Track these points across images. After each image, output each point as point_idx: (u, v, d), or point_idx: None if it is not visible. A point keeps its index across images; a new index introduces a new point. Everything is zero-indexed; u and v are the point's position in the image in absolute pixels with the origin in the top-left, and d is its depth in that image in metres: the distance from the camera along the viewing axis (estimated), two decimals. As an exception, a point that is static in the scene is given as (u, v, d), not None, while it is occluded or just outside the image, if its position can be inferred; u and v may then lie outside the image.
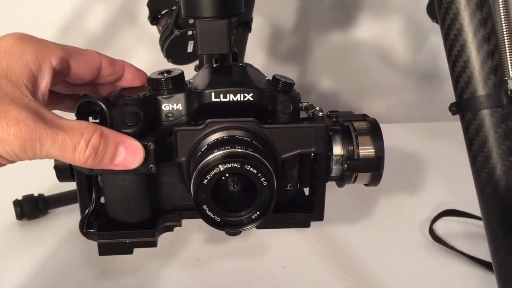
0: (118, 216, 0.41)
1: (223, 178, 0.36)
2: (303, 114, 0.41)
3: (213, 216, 0.36)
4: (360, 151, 0.41)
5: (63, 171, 0.40)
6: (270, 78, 0.41)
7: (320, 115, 0.40)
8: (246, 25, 0.68)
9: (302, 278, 0.57)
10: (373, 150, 0.41)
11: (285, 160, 0.40)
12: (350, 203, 0.70)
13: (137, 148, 0.36)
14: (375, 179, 0.42)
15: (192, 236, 0.64)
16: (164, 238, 0.42)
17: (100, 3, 0.90)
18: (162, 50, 0.71)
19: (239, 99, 0.38)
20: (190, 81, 0.41)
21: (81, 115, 0.37)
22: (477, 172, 0.39)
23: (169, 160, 0.39)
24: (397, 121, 1.02)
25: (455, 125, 0.43)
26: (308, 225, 0.43)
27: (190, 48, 0.70)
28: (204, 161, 0.36)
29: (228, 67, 0.44)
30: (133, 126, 0.37)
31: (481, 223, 0.61)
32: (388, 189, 0.74)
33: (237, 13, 0.44)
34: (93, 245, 0.41)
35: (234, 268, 0.59)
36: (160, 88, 0.39)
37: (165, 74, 0.39)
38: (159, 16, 0.73)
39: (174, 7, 0.69)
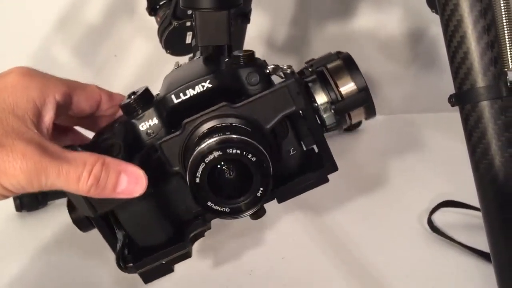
0: (146, 242, 0.41)
1: (215, 169, 0.36)
2: (278, 79, 0.40)
3: (222, 209, 0.36)
4: (341, 90, 0.40)
5: (81, 222, 0.40)
6: None
7: (288, 72, 0.39)
8: (245, 16, 0.68)
9: (301, 269, 0.57)
10: (354, 84, 0.40)
11: (273, 128, 0.39)
12: (349, 194, 0.70)
13: (139, 176, 0.36)
14: (370, 111, 0.42)
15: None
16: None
17: (98, -6, 0.90)
18: (160, 41, 0.71)
19: (199, 90, 0.38)
20: (158, 93, 0.41)
21: None
22: (476, 164, 0.39)
23: (166, 174, 0.39)
24: (396, 112, 1.02)
25: (454, 116, 0.43)
26: (326, 180, 0.41)
27: (188, 39, 0.70)
28: (190, 162, 0.36)
29: (186, 65, 0.43)
30: (117, 155, 0.37)
31: (479, 214, 0.61)
32: (386, 180, 0.74)
33: (236, 4, 0.44)
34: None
35: (234, 259, 0.59)
36: (132, 111, 0.39)
37: (132, 97, 0.39)
38: (157, 7, 0.72)
39: (172, -2, 0.69)
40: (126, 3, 0.90)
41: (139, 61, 0.93)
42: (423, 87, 1.00)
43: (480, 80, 0.38)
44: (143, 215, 0.40)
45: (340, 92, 0.40)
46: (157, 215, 0.40)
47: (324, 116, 0.40)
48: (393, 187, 0.72)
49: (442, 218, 0.63)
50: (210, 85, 0.38)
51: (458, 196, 0.65)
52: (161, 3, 0.72)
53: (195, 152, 0.36)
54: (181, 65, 0.44)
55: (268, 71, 0.39)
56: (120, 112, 0.42)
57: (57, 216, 0.67)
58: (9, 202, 0.67)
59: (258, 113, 0.38)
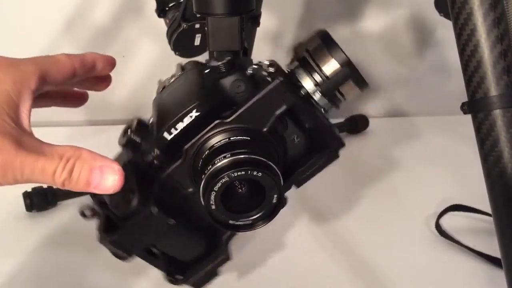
0: (186, 258, 0.43)
1: (227, 190, 0.37)
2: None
3: (244, 223, 0.38)
4: (324, 70, 0.40)
5: (120, 256, 0.41)
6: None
7: (272, 70, 0.39)
8: (254, 20, 0.68)
9: (308, 272, 0.58)
10: (334, 60, 0.40)
11: (271, 127, 0.39)
12: (356, 197, 0.70)
13: (112, 170, 0.35)
14: (359, 83, 0.41)
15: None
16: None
17: (106, -4, 0.90)
18: (169, 43, 0.70)
19: (189, 121, 0.38)
20: (151, 119, 0.42)
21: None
22: (488, 171, 0.39)
23: (183, 196, 0.40)
24: (403, 114, 1.02)
25: (461, 119, 0.43)
26: (337, 156, 0.42)
27: (197, 41, 0.70)
28: (201, 192, 0.37)
29: (169, 87, 0.43)
30: (132, 201, 0.38)
31: (487, 218, 0.62)
32: (393, 183, 0.75)
33: (248, 10, 0.44)
34: None
35: (241, 262, 0.59)
36: (133, 147, 0.39)
37: (128, 132, 0.40)
38: (167, 9, 0.72)
39: (181, 0, 0.69)
40: (134, 4, 0.90)
41: (147, 62, 0.93)
42: (429, 89, 1.00)
43: (493, 89, 0.38)
44: (175, 240, 0.42)
45: (323, 73, 0.39)
46: (187, 234, 0.42)
47: (316, 99, 0.40)
48: (399, 190, 0.73)
49: (450, 222, 0.64)
50: (198, 113, 0.38)
51: (464, 200, 0.65)
52: (170, 5, 0.72)
53: (202, 182, 0.36)
54: (164, 86, 0.44)
55: (250, 72, 0.39)
56: (100, 71, 0.42)
57: (67, 217, 0.67)
58: (19, 202, 0.67)
59: (252, 120, 0.38)
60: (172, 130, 0.38)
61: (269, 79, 0.39)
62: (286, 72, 0.41)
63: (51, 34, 0.90)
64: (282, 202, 0.37)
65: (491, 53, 0.38)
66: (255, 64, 0.40)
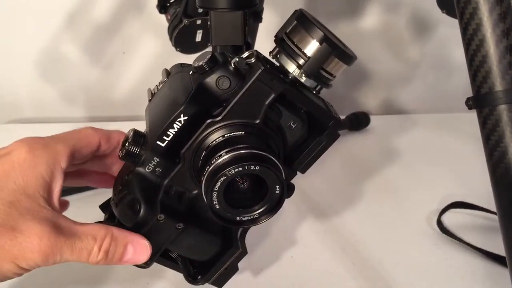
0: (204, 258, 0.44)
1: (229, 186, 0.37)
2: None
3: (251, 217, 0.38)
4: (304, 50, 0.38)
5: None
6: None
7: (252, 61, 0.38)
8: (257, 15, 0.68)
9: (310, 269, 0.57)
10: (312, 39, 0.38)
11: (265, 117, 0.39)
12: (357, 194, 0.70)
13: (144, 246, 0.39)
14: (343, 57, 0.39)
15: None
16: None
17: (107, -9, 0.89)
18: (170, 39, 0.70)
19: (179, 126, 0.38)
20: (146, 129, 0.42)
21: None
22: (493, 168, 0.39)
23: (190, 199, 0.41)
24: (404, 112, 1.02)
25: (463, 116, 0.43)
26: (337, 135, 0.41)
27: (199, 37, 0.70)
28: (203, 194, 0.37)
29: (157, 95, 0.43)
30: (139, 211, 0.38)
31: (489, 215, 0.61)
32: (395, 180, 0.74)
33: (252, 4, 0.44)
34: None
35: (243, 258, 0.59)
36: (133, 158, 0.40)
37: (126, 145, 0.40)
38: (168, 4, 0.72)
39: (183, -4, 0.69)
40: (135, 1, 0.90)
41: (147, 58, 0.93)
42: (431, 87, 1.00)
43: (498, 83, 0.38)
44: (189, 243, 0.42)
45: (304, 53, 0.38)
46: (200, 235, 0.42)
47: (303, 81, 0.39)
48: (401, 187, 0.73)
49: (452, 219, 0.63)
50: (185, 117, 0.38)
51: (466, 197, 0.65)
52: (171, 1, 0.72)
53: (203, 182, 0.37)
54: (153, 94, 0.44)
55: (233, 66, 0.38)
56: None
57: (68, 213, 0.67)
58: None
59: (243, 113, 0.38)
60: (164, 137, 0.39)
61: (251, 69, 0.38)
62: (269, 59, 0.40)
63: (52, 30, 0.90)
64: (285, 193, 0.37)
65: (497, 48, 0.37)
66: (236, 57, 0.39)
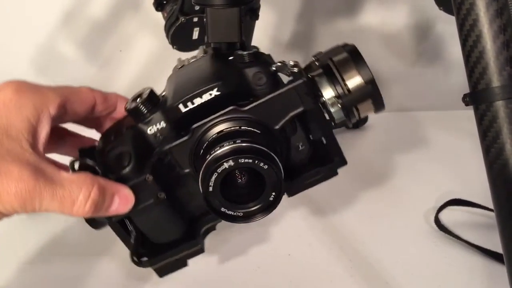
0: (160, 240, 0.42)
1: (227, 176, 0.36)
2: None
3: (235, 213, 0.37)
4: (347, 83, 0.40)
5: (93, 221, 0.40)
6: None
7: (295, 71, 0.39)
8: (253, 13, 0.67)
9: (307, 266, 0.57)
10: (360, 77, 0.40)
11: (282, 127, 0.39)
12: (355, 192, 0.70)
13: (129, 197, 0.38)
14: (378, 104, 0.41)
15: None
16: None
17: (103, -11, 0.89)
18: (167, 37, 0.70)
19: (207, 98, 0.38)
20: (163, 93, 0.41)
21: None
22: (490, 164, 0.39)
23: (177, 175, 0.39)
24: (402, 109, 1.02)
25: (461, 113, 0.43)
26: (335, 174, 0.42)
27: (195, 35, 0.69)
28: (202, 171, 0.36)
29: (190, 66, 0.43)
30: (128, 165, 0.38)
31: (486, 212, 0.61)
32: (393, 177, 0.74)
33: (248, 1, 0.44)
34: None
35: (240, 255, 0.59)
36: (139, 115, 0.39)
37: (138, 100, 0.39)
38: (164, 2, 0.72)
39: (179, -7, 0.68)
40: (132, -2, 0.90)
41: (144, 56, 0.93)
42: (429, 84, 0.99)
43: (495, 79, 0.38)
44: (157, 217, 0.40)
45: (346, 86, 0.40)
46: (170, 215, 0.41)
47: (332, 111, 0.40)
48: (399, 185, 0.72)
49: (449, 216, 0.63)
50: (218, 93, 0.38)
51: (464, 194, 0.65)
52: (168, -2, 0.71)
53: (206, 162, 0.36)
54: (184, 65, 0.44)
55: (274, 69, 0.39)
56: (119, 111, 0.42)
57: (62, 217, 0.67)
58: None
59: (267, 114, 0.38)
60: (189, 103, 0.38)
61: (291, 78, 0.39)
62: (308, 76, 0.40)
63: (48, 27, 0.90)
64: (280, 199, 0.37)
65: (494, 44, 0.37)
66: (279, 62, 0.40)
